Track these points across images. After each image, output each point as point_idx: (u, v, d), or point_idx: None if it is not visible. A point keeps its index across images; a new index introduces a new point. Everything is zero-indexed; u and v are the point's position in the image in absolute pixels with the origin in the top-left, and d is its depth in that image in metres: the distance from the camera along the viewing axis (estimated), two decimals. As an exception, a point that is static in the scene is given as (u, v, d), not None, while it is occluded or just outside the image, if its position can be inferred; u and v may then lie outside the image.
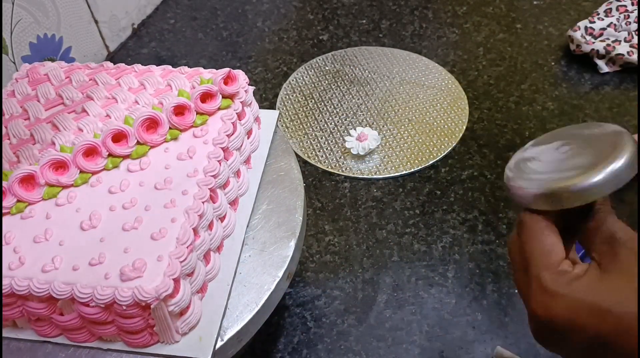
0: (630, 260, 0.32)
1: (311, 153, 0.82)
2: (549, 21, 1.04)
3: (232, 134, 0.55)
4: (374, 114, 0.87)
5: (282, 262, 0.52)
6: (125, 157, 0.52)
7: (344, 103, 0.89)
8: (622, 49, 0.91)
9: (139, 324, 0.44)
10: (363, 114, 0.87)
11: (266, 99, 0.91)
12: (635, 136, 0.38)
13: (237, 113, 0.56)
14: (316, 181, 0.79)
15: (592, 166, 0.33)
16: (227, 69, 0.58)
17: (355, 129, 0.81)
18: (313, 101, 0.90)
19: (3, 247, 0.46)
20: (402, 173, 0.79)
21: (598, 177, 0.33)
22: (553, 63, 0.95)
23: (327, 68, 0.96)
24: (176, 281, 0.43)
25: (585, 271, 0.33)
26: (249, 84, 0.59)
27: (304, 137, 0.85)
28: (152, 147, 0.53)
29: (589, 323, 0.31)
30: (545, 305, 0.33)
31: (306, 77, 0.94)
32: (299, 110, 0.89)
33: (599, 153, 0.34)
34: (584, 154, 0.36)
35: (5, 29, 0.75)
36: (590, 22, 0.94)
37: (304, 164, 0.81)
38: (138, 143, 0.53)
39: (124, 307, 0.42)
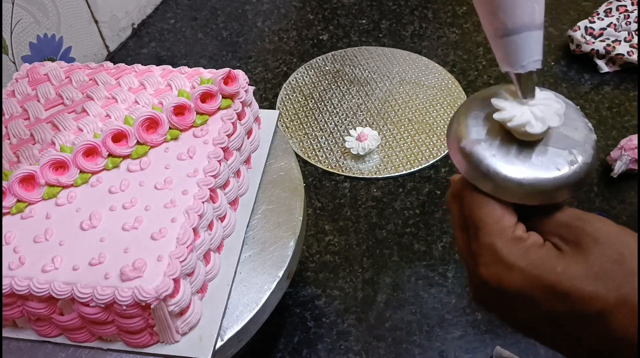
0: (581, 239, 0.30)
1: (311, 153, 0.82)
2: (549, 21, 1.04)
3: (232, 134, 0.55)
4: (374, 114, 0.87)
5: (282, 262, 0.52)
6: (125, 157, 0.52)
7: (344, 103, 0.89)
8: (622, 49, 0.91)
9: (139, 324, 0.44)
10: (363, 114, 0.87)
11: (266, 99, 0.91)
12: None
13: (237, 113, 0.56)
14: (316, 181, 0.79)
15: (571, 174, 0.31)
16: (227, 69, 0.58)
17: (355, 129, 0.81)
18: (313, 101, 0.90)
19: (3, 247, 0.46)
20: (402, 173, 0.79)
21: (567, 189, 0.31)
22: (553, 63, 0.95)
23: (327, 68, 0.96)
24: (176, 281, 0.43)
25: (544, 245, 0.31)
26: (249, 84, 0.59)
27: (304, 137, 0.85)
28: (152, 147, 0.53)
29: (544, 301, 0.30)
30: (499, 275, 0.31)
31: (306, 77, 0.94)
32: (299, 110, 0.89)
33: (573, 147, 0.32)
34: (562, 141, 0.32)
35: (5, 29, 0.75)
36: (590, 22, 0.94)
37: (304, 164, 0.81)
38: (138, 143, 0.53)
39: (124, 307, 0.42)
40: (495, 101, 0.32)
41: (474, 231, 0.32)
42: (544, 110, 0.31)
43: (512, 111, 0.31)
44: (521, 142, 0.32)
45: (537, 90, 0.32)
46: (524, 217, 0.33)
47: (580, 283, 0.29)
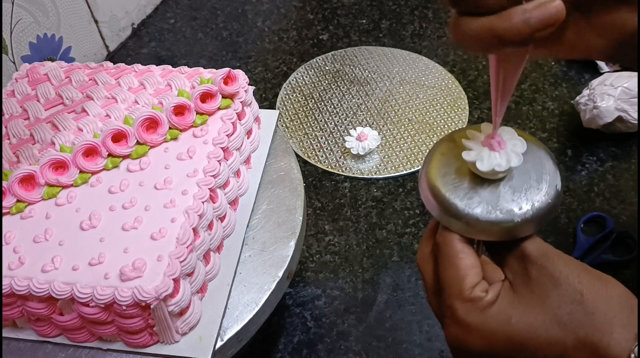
0: (541, 279, 0.31)
1: (311, 153, 0.82)
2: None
3: (232, 134, 0.55)
4: (374, 114, 0.87)
5: (282, 262, 0.52)
6: (125, 157, 0.52)
7: (344, 103, 0.89)
8: (622, 49, 0.91)
9: (139, 324, 0.44)
10: (363, 114, 0.87)
11: (266, 99, 0.91)
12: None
13: (237, 113, 0.56)
14: (316, 181, 0.79)
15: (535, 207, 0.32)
16: (227, 69, 0.58)
17: (355, 129, 0.81)
18: (313, 101, 0.90)
19: (3, 247, 0.46)
20: (402, 173, 0.79)
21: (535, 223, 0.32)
22: (553, 63, 0.95)
23: (327, 68, 0.96)
24: (176, 281, 0.43)
25: (498, 296, 0.32)
26: (249, 84, 0.59)
27: (304, 137, 0.85)
28: (152, 147, 0.53)
29: (505, 354, 0.31)
30: (460, 337, 0.32)
31: (306, 77, 0.94)
32: (299, 110, 0.89)
33: (536, 182, 0.33)
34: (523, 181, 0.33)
35: (5, 29, 0.75)
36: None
37: (304, 164, 0.81)
38: (138, 142, 0.53)
39: (124, 307, 0.42)
40: (464, 142, 0.34)
41: (439, 289, 0.34)
42: (507, 150, 0.33)
43: (478, 151, 0.33)
44: (487, 181, 0.33)
45: (502, 129, 0.34)
46: (494, 250, 0.34)
47: (536, 330, 0.30)
